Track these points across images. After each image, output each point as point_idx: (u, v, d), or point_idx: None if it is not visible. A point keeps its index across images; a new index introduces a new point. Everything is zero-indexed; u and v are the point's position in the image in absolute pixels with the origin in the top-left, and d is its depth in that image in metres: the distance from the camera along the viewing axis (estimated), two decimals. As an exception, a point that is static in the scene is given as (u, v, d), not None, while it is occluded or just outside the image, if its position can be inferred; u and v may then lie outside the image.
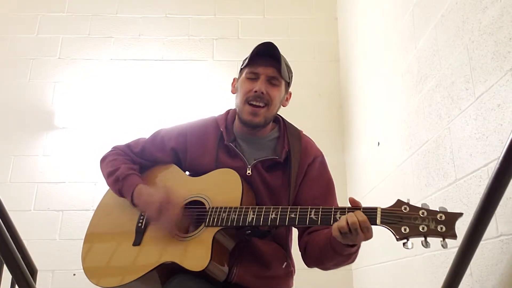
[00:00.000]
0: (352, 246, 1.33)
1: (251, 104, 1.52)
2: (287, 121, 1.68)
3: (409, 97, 2.31)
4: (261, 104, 1.52)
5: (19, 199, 3.46)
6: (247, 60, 1.56)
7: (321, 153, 1.63)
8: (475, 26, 1.65)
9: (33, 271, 2.20)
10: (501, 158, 1.23)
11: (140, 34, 4.03)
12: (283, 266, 1.53)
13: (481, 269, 1.56)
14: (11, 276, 1.84)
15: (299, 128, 1.68)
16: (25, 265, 1.86)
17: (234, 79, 1.65)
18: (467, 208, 1.67)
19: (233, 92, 1.63)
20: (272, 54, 1.52)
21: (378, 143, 2.83)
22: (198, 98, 3.82)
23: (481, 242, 1.36)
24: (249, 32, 4.03)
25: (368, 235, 1.24)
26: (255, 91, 1.50)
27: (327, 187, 1.58)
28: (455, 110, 1.79)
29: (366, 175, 3.13)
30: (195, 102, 3.81)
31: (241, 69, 1.60)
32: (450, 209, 1.74)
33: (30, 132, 3.69)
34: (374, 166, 2.93)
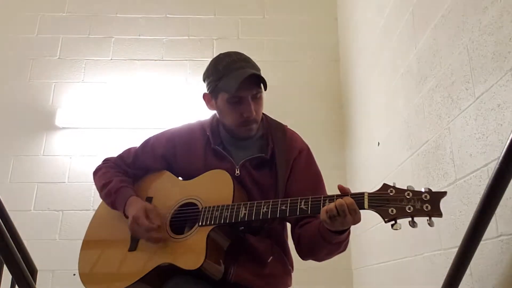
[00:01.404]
0: (341, 233, 1.35)
1: (244, 125, 1.53)
2: (269, 117, 1.68)
3: (409, 97, 2.31)
4: (253, 123, 1.54)
5: (19, 199, 3.46)
6: (223, 83, 1.50)
7: (306, 146, 1.64)
8: (475, 26, 1.64)
9: (33, 271, 2.20)
10: (501, 158, 1.23)
11: (140, 34, 4.02)
12: (268, 261, 1.53)
13: (481, 269, 1.56)
14: (11, 276, 1.85)
15: (292, 129, 1.68)
16: (25, 265, 1.87)
17: (206, 96, 1.61)
18: (467, 208, 1.67)
19: (212, 109, 1.62)
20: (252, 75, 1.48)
21: (378, 143, 2.83)
22: (198, 98, 3.81)
23: (481, 242, 1.36)
24: (249, 32, 4.03)
25: (356, 218, 1.27)
26: (246, 116, 1.50)
27: (315, 180, 1.59)
28: (455, 110, 1.79)
29: (366, 175, 3.13)
30: (195, 102, 3.79)
31: (215, 89, 1.54)
32: (451, 209, 1.76)
33: (30, 132, 3.69)
34: (374, 166, 2.93)
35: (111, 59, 3.94)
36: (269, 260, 1.52)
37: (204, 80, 1.61)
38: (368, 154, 3.08)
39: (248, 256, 1.48)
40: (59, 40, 3.97)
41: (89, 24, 4.03)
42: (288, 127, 1.69)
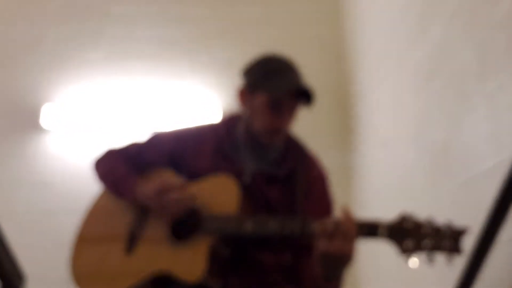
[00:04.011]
0: (330, 281, 1.30)
1: (271, 133, 1.49)
2: (293, 134, 1.64)
3: (417, 95, 2.29)
4: (280, 133, 1.51)
5: (10, 201, 3.39)
6: (268, 84, 1.46)
7: (325, 173, 1.60)
8: (486, 20, 1.62)
9: (21, 278, 2.16)
10: (513, 158, 1.20)
11: (138, 33, 3.98)
12: None
13: (494, 272, 1.51)
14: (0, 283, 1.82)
15: (304, 142, 1.64)
16: (14, 271, 1.84)
17: (241, 92, 1.54)
18: (477, 209, 1.63)
19: (243, 105, 1.55)
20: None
21: (385, 143, 2.80)
22: (196, 98, 3.78)
23: (495, 245, 1.32)
24: (249, 30, 3.99)
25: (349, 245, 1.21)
26: (278, 125, 1.47)
27: (327, 209, 1.54)
28: (465, 108, 1.76)
29: (372, 176, 3.10)
30: (194, 102, 3.76)
31: (257, 86, 1.48)
32: (460, 211, 1.72)
33: (21, 133, 3.62)
34: (381, 166, 2.90)
35: (105, 57, 3.89)
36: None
37: (245, 74, 1.54)
38: (373, 154, 3.05)
39: (248, 266, 1.44)
40: (51, 37, 3.92)
41: (86, 22, 3.99)
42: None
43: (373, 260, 2.88)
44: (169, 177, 1.44)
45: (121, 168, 1.55)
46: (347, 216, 1.21)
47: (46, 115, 3.59)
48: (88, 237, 1.54)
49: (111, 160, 1.61)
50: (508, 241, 1.43)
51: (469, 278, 1.38)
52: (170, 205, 1.39)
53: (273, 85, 1.44)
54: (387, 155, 2.76)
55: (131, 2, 4.03)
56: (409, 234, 1.18)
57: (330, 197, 1.58)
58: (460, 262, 1.41)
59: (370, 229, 1.22)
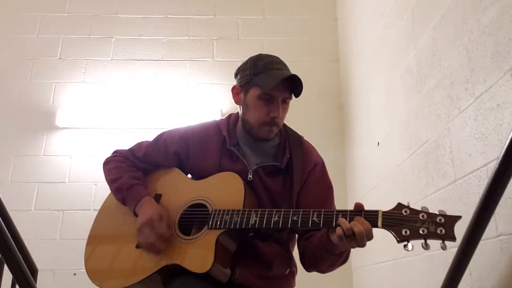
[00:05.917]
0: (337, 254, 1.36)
1: (267, 125, 1.53)
2: (288, 127, 1.69)
3: (408, 97, 2.31)
4: (276, 126, 1.55)
5: (19, 199, 3.46)
6: (259, 79, 1.50)
7: (321, 159, 1.65)
8: (474, 26, 1.65)
9: (33, 271, 2.20)
10: (500, 158, 1.23)
11: (140, 35, 4.03)
12: (286, 273, 1.55)
13: (480, 268, 1.56)
14: (11, 276, 1.85)
15: (300, 134, 1.69)
16: (26, 264, 1.87)
17: (235, 88, 1.60)
18: (467, 208, 1.67)
19: (238, 103, 1.60)
20: (291, 80, 1.50)
21: (378, 143, 2.83)
22: (198, 99, 3.83)
23: (481, 242, 1.37)
24: (249, 33, 4.03)
25: (370, 239, 1.27)
26: (272, 116, 1.51)
27: (326, 193, 1.59)
28: (454, 110, 1.79)
29: (366, 175, 3.13)
30: (196, 102, 3.81)
31: (249, 83, 1.54)
32: (450, 209, 1.76)
33: (30, 132, 3.69)
34: (374, 166, 2.93)
35: (112, 59, 3.95)
36: (287, 273, 1.55)
37: (237, 74, 1.60)
38: (367, 154, 3.08)
39: (254, 258, 1.49)
40: (60, 40, 3.98)
41: (89, 24, 4.04)
42: (287, 125, 1.70)
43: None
44: (162, 210, 1.48)
45: (126, 177, 1.58)
46: (362, 222, 1.25)
47: (62, 116, 3.70)
48: (100, 235, 1.58)
49: (117, 165, 1.64)
50: (494, 238, 1.47)
51: (457, 273, 1.42)
52: (149, 236, 1.43)
53: (263, 78, 1.49)
54: (380, 155, 2.80)
55: (137, 8, 4.07)
56: (405, 222, 1.21)
57: (328, 181, 1.62)
58: (449, 258, 1.46)
59: (369, 218, 1.26)
